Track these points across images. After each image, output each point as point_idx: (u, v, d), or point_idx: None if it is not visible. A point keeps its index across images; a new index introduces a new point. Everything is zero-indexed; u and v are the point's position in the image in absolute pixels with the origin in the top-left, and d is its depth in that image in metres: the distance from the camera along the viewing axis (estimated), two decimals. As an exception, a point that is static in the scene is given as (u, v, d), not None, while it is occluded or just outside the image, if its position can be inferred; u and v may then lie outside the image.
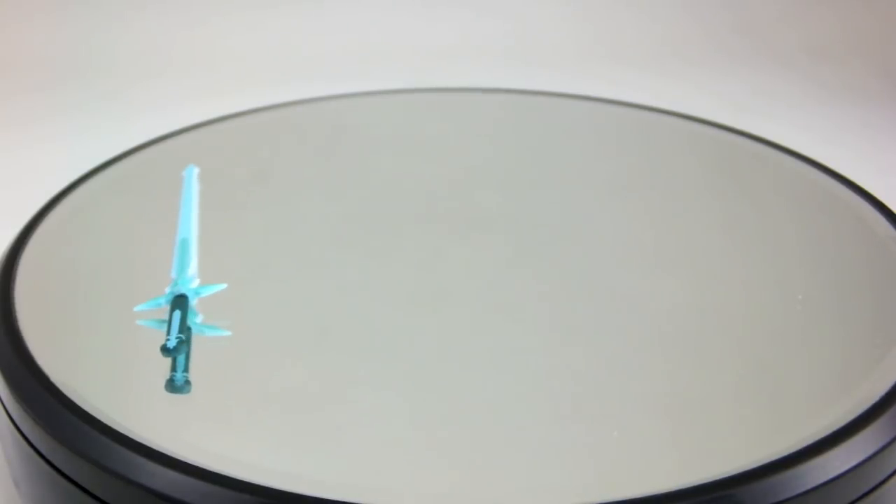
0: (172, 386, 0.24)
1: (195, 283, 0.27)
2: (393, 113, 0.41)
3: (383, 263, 0.29)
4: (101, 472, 0.21)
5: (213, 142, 0.37)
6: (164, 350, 0.24)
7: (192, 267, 0.28)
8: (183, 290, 0.27)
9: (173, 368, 0.24)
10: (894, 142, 0.52)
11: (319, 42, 0.62)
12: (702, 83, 0.58)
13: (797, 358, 0.25)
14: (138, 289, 0.27)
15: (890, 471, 0.22)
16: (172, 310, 0.26)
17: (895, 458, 0.22)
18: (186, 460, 0.21)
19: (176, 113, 0.41)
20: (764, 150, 0.36)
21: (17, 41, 0.60)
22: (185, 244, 0.29)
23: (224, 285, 0.27)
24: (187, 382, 0.24)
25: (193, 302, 0.26)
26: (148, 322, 0.26)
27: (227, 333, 0.26)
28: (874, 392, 0.23)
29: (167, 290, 0.27)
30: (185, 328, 0.25)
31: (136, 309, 0.26)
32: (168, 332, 0.25)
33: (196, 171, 0.33)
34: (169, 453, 0.21)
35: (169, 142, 0.36)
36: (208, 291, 0.27)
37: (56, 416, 0.22)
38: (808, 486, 0.20)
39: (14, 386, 0.23)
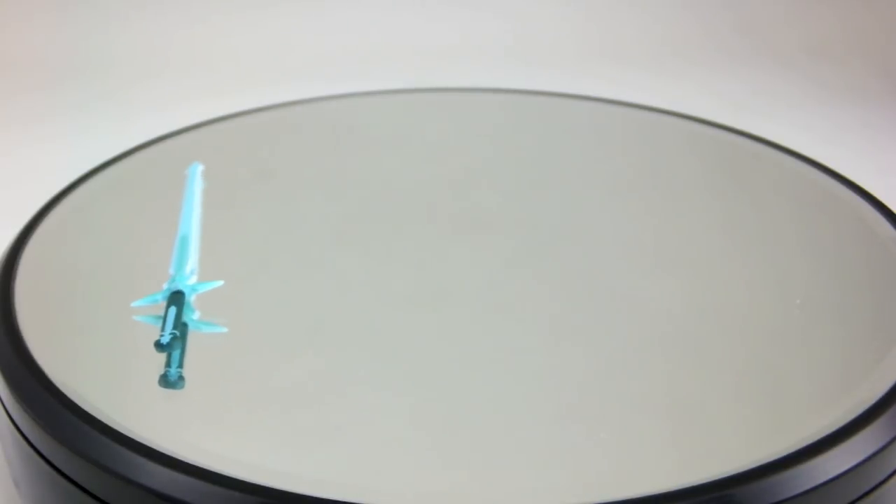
0: (166, 381, 0.24)
1: (193, 280, 0.27)
2: (393, 113, 0.41)
3: (383, 263, 0.29)
4: (101, 472, 0.21)
5: (213, 142, 0.37)
6: (158, 346, 0.24)
7: (191, 264, 0.28)
8: (180, 287, 0.27)
9: (167, 364, 0.24)
10: (894, 142, 0.52)
11: (319, 42, 0.62)
12: (702, 83, 0.58)
13: (797, 358, 0.25)
14: (138, 289, 0.27)
15: (890, 471, 0.22)
16: (168, 306, 0.26)
17: (895, 458, 0.22)
18: (186, 460, 0.21)
19: (176, 113, 0.41)
20: (764, 150, 0.36)
21: (17, 41, 0.60)
22: (184, 241, 0.29)
23: (221, 282, 0.27)
24: (181, 378, 0.24)
25: (191, 298, 0.26)
26: (144, 318, 0.26)
27: (224, 330, 0.26)
28: (874, 392, 0.23)
29: (164, 286, 0.27)
30: (179, 324, 0.25)
31: (133, 304, 0.26)
32: (162, 328, 0.25)
33: (200, 168, 0.33)
34: (169, 453, 0.21)
35: (169, 142, 0.36)
36: (205, 288, 0.27)
37: (56, 416, 0.22)
38: (808, 486, 0.20)
39: (14, 386, 0.23)
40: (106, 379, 0.24)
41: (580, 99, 0.41)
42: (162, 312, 0.26)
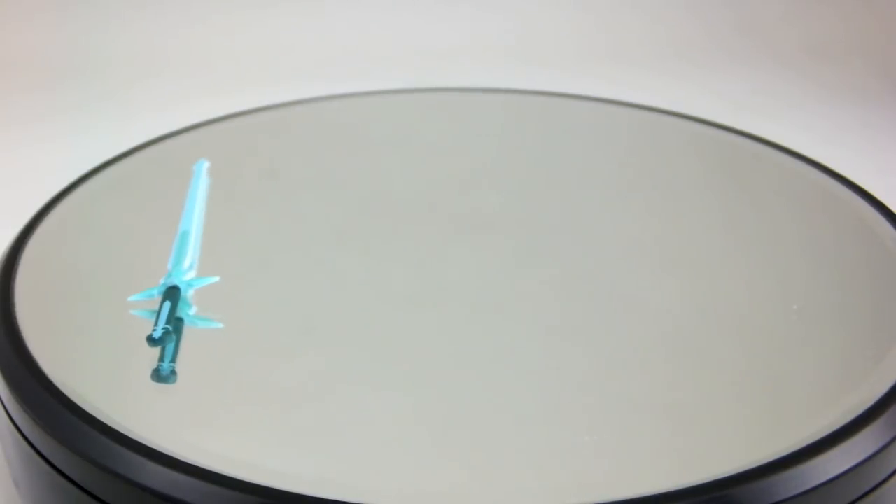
0: (158, 376, 0.24)
1: (189, 276, 0.27)
2: (393, 113, 0.41)
3: (383, 263, 0.29)
4: (101, 472, 0.21)
5: (213, 142, 0.37)
6: (150, 340, 0.24)
7: (189, 259, 0.28)
8: (175, 282, 0.27)
9: (161, 358, 0.24)
10: (894, 142, 0.52)
11: (319, 42, 0.62)
12: (702, 83, 0.58)
13: (797, 358, 0.25)
14: (138, 289, 0.27)
15: (890, 471, 0.22)
16: (163, 301, 0.26)
17: (895, 458, 0.22)
18: (186, 460, 0.21)
19: (176, 113, 0.41)
20: (764, 150, 0.36)
21: (16, 41, 0.60)
22: (184, 237, 0.29)
23: (216, 278, 0.27)
24: (173, 372, 0.24)
25: (188, 294, 0.26)
26: (140, 312, 0.26)
27: (220, 325, 0.26)
28: (874, 392, 0.23)
29: (161, 281, 0.27)
30: (173, 319, 0.25)
31: (130, 299, 0.26)
32: (156, 323, 0.25)
33: (206, 165, 0.33)
34: (169, 453, 0.21)
35: (169, 142, 0.36)
36: (200, 284, 0.27)
37: (56, 416, 0.22)
38: (808, 486, 0.20)
39: (14, 386, 0.23)
40: (106, 379, 0.24)
41: (580, 99, 0.41)
42: (157, 307, 0.26)
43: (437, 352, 0.25)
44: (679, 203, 0.33)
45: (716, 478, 0.20)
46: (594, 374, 0.24)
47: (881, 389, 0.23)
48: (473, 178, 0.34)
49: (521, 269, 0.29)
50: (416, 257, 0.29)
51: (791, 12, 0.65)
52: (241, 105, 0.40)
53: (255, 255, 0.30)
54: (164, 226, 0.30)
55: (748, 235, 0.31)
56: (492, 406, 0.23)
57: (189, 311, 0.26)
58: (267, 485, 0.20)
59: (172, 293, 0.26)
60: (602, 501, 0.20)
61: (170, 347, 0.25)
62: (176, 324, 0.25)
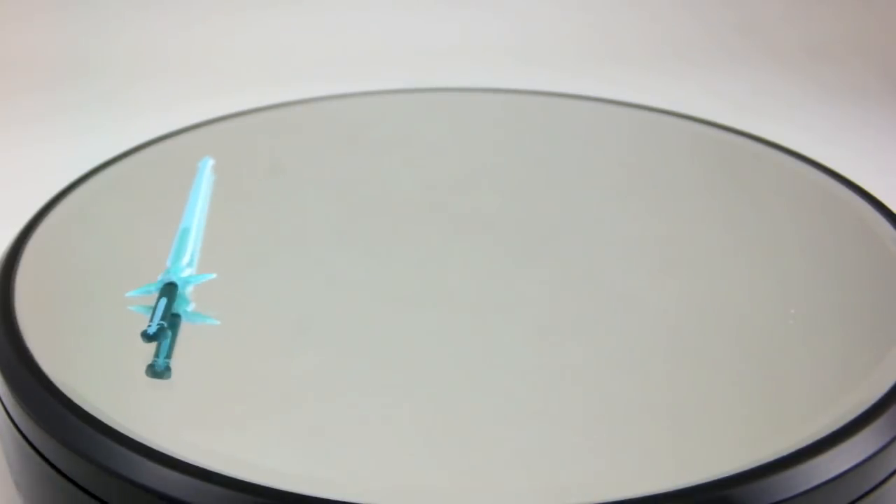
0: (153, 371, 0.24)
1: (188, 273, 0.27)
2: (393, 113, 0.41)
3: (383, 263, 0.29)
4: (101, 472, 0.21)
5: (213, 142, 0.37)
6: (144, 336, 0.25)
7: (187, 256, 0.28)
8: (173, 278, 0.27)
9: (156, 354, 0.24)
10: (894, 142, 0.52)
11: (319, 42, 0.62)
12: (702, 83, 0.58)
13: (797, 358, 0.25)
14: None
15: (890, 471, 0.22)
16: (160, 297, 0.26)
17: (895, 458, 0.22)
18: (186, 460, 0.21)
19: (176, 113, 0.41)
20: (764, 150, 0.36)
21: (17, 41, 0.60)
22: (185, 233, 0.29)
23: (213, 275, 0.27)
24: (168, 368, 0.24)
25: (187, 291, 0.26)
26: (137, 308, 0.26)
27: (217, 322, 0.26)
28: (874, 392, 0.23)
29: (159, 277, 0.27)
30: (168, 315, 0.25)
31: (127, 295, 0.26)
32: (151, 319, 0.25)
33: (211, 162, 0.33)
34: (169, 453, 0.21)
35: (169, 142, 0.36)
36: (198, 281, 0.27)
37: (56, 416, 0.22)
38: (808, 486, 0.20)
39: (14, 386, 0.23)
40: (106, 379, 0.24)
41: (580, 99, 0.41)
42: (153, 303, 0.26)
43: (435, 351, 0.25)
44: (679, 203, 0.33)
45: (716, 478, 0.20)
46: (594, 374, 0.24)
47: (881, 389, 0.23)
48: (473, 178, 0.34)
49: (521, 269, 0.29)
50: (415, 257, 0.29)
51: (791, 12, 0.65)
52: (241, 105, 0.40)
53: (254, 253, 0.30)
54: (165, 225, 0.30)
55: (748, 235, 0.31)
56: (490, 406, 0.23)
57: (186, 308, 0.26)
58: (267, 485, 0.20)
59: (169, 289, 0.26)
60: (602, 502, 0.20)
61: (165, 343, 0.25)
62: (172, 320, 0.25)
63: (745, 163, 0.36)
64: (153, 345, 0.25)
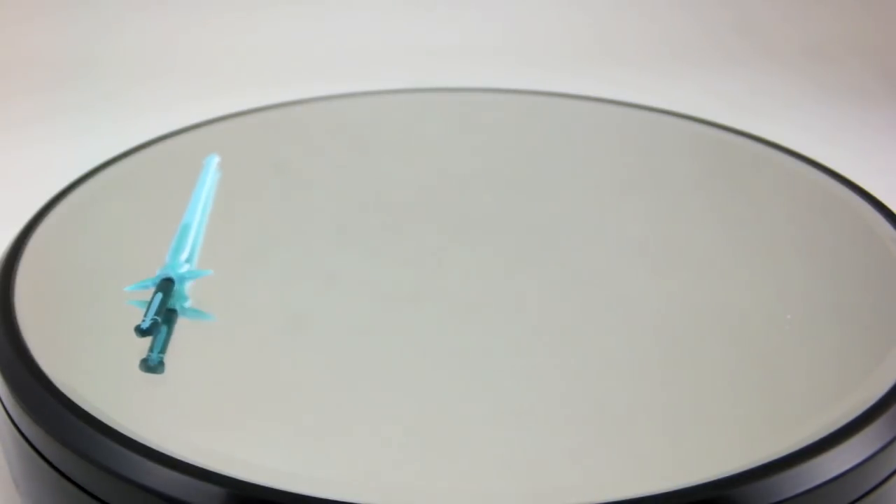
0: (146, 365, 0.24)
1: (185, 269, 0.27)
2: (393, 113, 0.41)
3: (382, 263, 0.29)
4: (101, 472, 0.21)
5: (213, 142, 0.37)
6: (138, 330, 0.25)
7: (186, 252, 0.28)
8: (170, 274, 0.27)
9: (150, 348, 0.24)
10: (894, 142, 0.52)
11: (320, 42, 0.62)
12: (701, 83, 0.58)
13: (797, 358, 0.25)
14: (138, 289, 0.27)
15: (890, 471, 0.22)
16: (156, 292, 0.26)
17: (895, 458, 0.22)
18: (186, 460, 0.21)
19: (176, 113, 0.41)
20: (764, 150, 0.36)
21: (17, 42, 0.60)
22: (185, 229, 0.29)
23: (210, 271, 0.27)
24: (161, 363, 0.24)
25: (184, 286, 0.27)
26: (134, 303, 0.26)
27: (213, 318, 0.26)
28: (874, 392, 0.23)
29: (157, 272, 0.27)
30: (163, 310, 0.25)
31: (126, 290, 0.26)
32: (145, 313, 0.25)
33: (216, 159, 0.33)
34: (169, 453, 0.21)
35: (169, 142, 0.36)
36: (195, 276, 0.27)
37: (56, 416, 0.22)
38: (808, 486, 0.20)
39: (14, 386, 0.23)
40: (106, 379, 0.24)
41: (580, 99, 0.41)
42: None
43: (434, 351, 0.25)
44: (678, 203, 0.33)
45: (716, 478, 0.20)
46: (594, 373, 0.24)
47: (881, 389, 0.23)
48: (473, 178, 0.34)
49: (519, 268, 0.29)
50: (414, 256, 0.29)
51: (790, 13, 0.65)
52: (241, 105, 0.40)
53: (254, 252, 0.30)
54: (165, 225, 0.30)
55: (747, 235, 0.31)
56: (488, 406, 0.23)
57: (184, 303, 0.26)
58: (267, 485, 0.20)
59: (165, 285, 0.26)
60: (600, 502, 0.20)
61: (160, 338, 0.25)
62: (168, 315, 0.25)
63: (744, 163, 0.36)
64: (140, 333, 0.25)
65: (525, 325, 0.26)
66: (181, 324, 0.26)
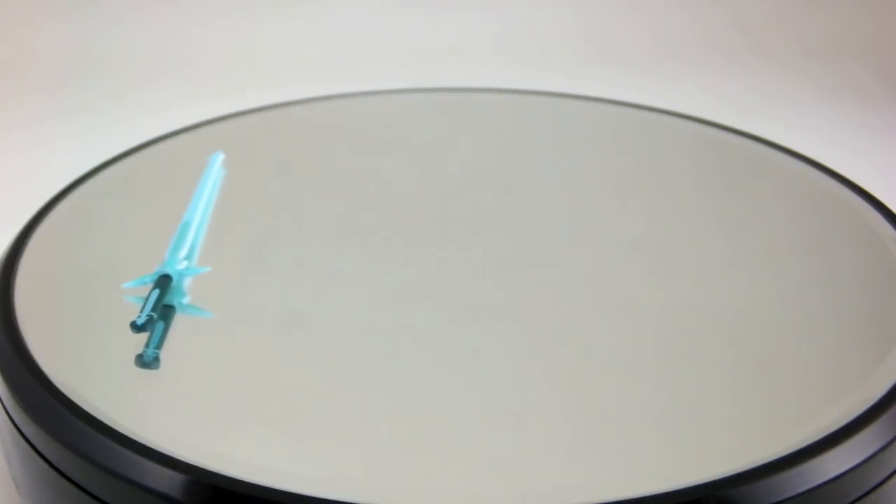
0: (141, 361, 0.24)
1: (183, 265, 0.27)
2: (393, 113, 0.41)
3: (380, 262, 0.29)
4: (101, 472, 0.21)
5: (213, 142, 0.37)
6: (133, 326, 0.25)
7: (185, 249, 0.28)
8: (168, 270, 0.27)
9: (146, 344, 0.24)
10: (893, 142, 0.52)
11: (319, 42, 0.62)
12: (700, 83, 0.58)
13: (797, 358, 0.25)
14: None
15: (890, 471, 0.22)
16: (153, 288, 0.26)
17: (895, 458, 0.22)
18: (186, 460, 0.21)
19: (177, 113, 0.41)
20: (763, 150, 0.36)
21: (17, 43, 0.60)
22: (185, 227, 0.29)
23: (208, 268, 0.27)
24: (156, 359, 0.24)
25: (183, 283, 0.27)
26: (132, 299, 0.26)
27: (211, 315, 0.26)
28: (874, 392, 0.23)
29: (155, 269, 0.27)
30: (159, 306, 0.25)
31: (124, 286, 0.26)
32: (141, 309, 0.25)
33: (221, 157, 0.33)
34: (169, 453, 0.21)
35: (169, 142, 0.36)
36: (193, 273, 0.27)
37: (56, 416, 0.22)
38: (808, 486, 0.20)
39: (14, 386, 0.23)
40: (106, 379, 0.24)
41: (580, 99, 0.41)
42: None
43: (434, 351, 0.25)
44: (677, 203, 0.33)
45: (716, 478, 0.20)
46: (594, 373, 0.24)
47: (881, 389, 0.23)
48: (473, 178, 0.34)
49: (520, 269, 0.29)
50: (413, 256, 0.29)
51: (788, 13, 0.65)
52: (241, 105, 0.40)
53: (253, 251, 0.30)
54: (165, 225, 0.30)
55: (747, 235, 0.31)
56: (488, 406, 0.23)
57: (181, 300, 0.26)
58: (267, 485, 0.20)
59: (163, 281, 0.26)
60: (600, 502, 0.20)
61: (156, 334, 0.25)
62: (165, 311, 0.25)
63: (744, 163, 0.36)
64: (136, 329, 0.25)
65: (524, 325, 0.26)
66: (181, 324, 0.26)
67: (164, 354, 0.24)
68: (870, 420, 0.22)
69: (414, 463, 0.22)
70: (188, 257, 0.28)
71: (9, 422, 0.24)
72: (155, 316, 0.25)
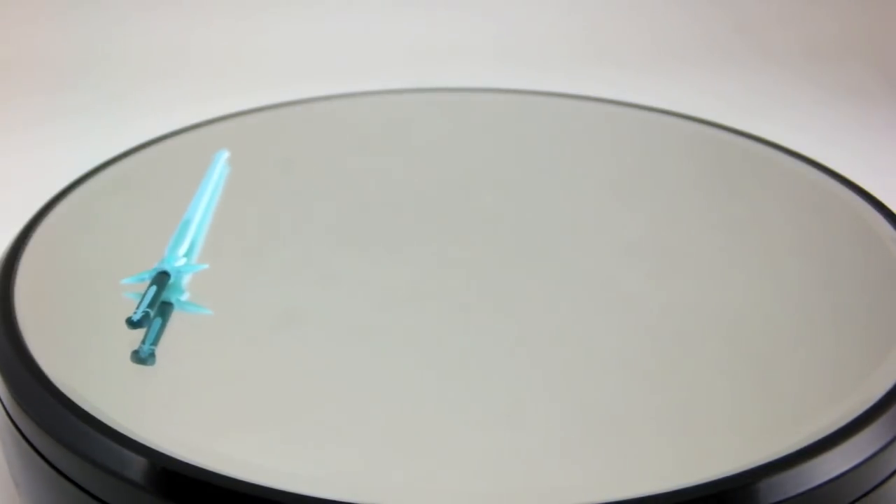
0: (137, 357, 0.24)
1: (182, 262, 0.27)
2: (393, 113, 0.41)
3: (380, 262, 0.29)
4: (100, 471, 0.21)
5: (213, 141, 0.37)
6: (129, 322, 0.25)
7: (185, 247, 0.28)
8: (166, 267, 0.27)
9: (143, 340, 0.24)
10: (893, 142, 0.52)
11: (320, 42, 0.62)
12: (699, 83, 0.58)
13: (797, 358, 0.25)
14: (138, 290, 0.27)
15: (890, 471, 0.22)
16: (150, 285, 0.26)
17: (895, 458, 0.22)
18: (186, 460, 0.21)
19: (177, 113, 0.41)
20: (763, 150, 0.36)
21: (18, 43, 0.60)
22: (185, 224, 0.29)
23: (206, 265, 0.27)
24: (152, 355, 0.24)
25: (182, 280, 0.27)
26: (130, 295, 0.26)
27: (209, 312, 0.26)
28: (874, 392, 0.23)
29: (154, 265, 0.27)
30: (156, 303, 0.25)
31: (122, 282, 0.26)
32: (138, 306, 0.25)
33: (226, 154, 0.33)
34: (169, 453, 0.21)
35: (169, 142, 0.36)
36: (191, 270, 0.27)
37: (56, 416, 0.22)
38: (808, 487, 0.20)
39: (14, 386, 0.23)
40: (106, 379, 0.24)
41: (580, 99, 0.41)
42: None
43: (433, 351, 0.25)
44: (677, 203, 0.33)
45: (716, 478, 0.20)
46: (593, 373, 0.24)
47: (881, 389, 0.23)
48: (472, 178, 0.34)
49: (519, 268, 0.29)
50: (413, 256, 0.29)
51: (788, 13, 0.65)
52: (241, 105, 0.40)
53: (253, 250, 0.30)
54: (165, 225, 0.30)
55: (747, 235, 0.31)
56: (487, 406, 0.23)
57: (179, 297, 0.26)
58: (267, 485, 0.20)
59: (160, 278, 0.26)
60: (600, 502, 0.20)
61: (152, 330, 0.25)
62: (163, 308, 0.25)
63: (744, 163, 0.36)
64: (131, 325, 0.25)
65: (524, 325, 0.26)
66: (182, 324, 0.26)
67: (164, 354, 0.24)
68: (869, 420, 0.22)
69: (413, 463, 0.22)
70: (188, 255, 0.28)
71: (9, 422, 0.24)
72: (151, 312, 0.25)
